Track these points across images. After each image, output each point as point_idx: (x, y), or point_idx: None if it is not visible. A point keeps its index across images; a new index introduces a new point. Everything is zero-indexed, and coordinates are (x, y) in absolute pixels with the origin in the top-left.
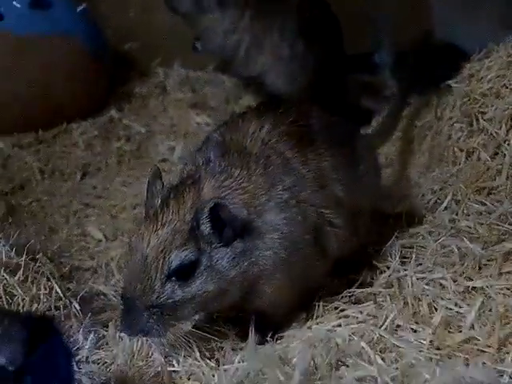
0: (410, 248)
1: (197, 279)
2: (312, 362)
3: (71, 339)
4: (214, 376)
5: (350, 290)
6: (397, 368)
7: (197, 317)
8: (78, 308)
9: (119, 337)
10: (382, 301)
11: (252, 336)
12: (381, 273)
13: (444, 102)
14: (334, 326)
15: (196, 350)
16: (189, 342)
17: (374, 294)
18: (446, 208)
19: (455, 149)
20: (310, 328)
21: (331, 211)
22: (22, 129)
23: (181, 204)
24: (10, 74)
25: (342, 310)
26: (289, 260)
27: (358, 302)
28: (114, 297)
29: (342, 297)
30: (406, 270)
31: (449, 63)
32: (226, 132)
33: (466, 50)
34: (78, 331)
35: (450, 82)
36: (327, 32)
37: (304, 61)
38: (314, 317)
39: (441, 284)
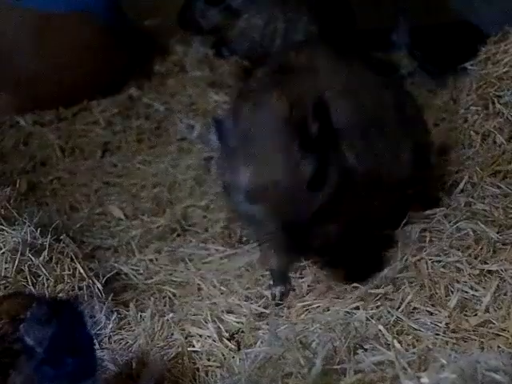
0: (426, 231)
1: None
2: (331, 346)
3: (94, 319)
4: (233, 358)
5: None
6: (414, 353)
7: None
8: (101, 288)
9: (141, 317)
10: (399, 283)
11: (272, 320)
12: (397, 255)
13: (460, 85)
14: (351, 309)
15: (215, 330)
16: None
17: (392, 277)
18: (462, 191)
19: (471, 132)
20: (328, 309)
21: None
22: (43, 106)
23: None
24: (31, 51)
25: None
26: None
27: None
28: (135, 276)
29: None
30: (423, 253)
31: (466, 43)
32: None
33: (484, 30)
34: (101, 311)
35: (466, 64)
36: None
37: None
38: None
39: (457, 267)
